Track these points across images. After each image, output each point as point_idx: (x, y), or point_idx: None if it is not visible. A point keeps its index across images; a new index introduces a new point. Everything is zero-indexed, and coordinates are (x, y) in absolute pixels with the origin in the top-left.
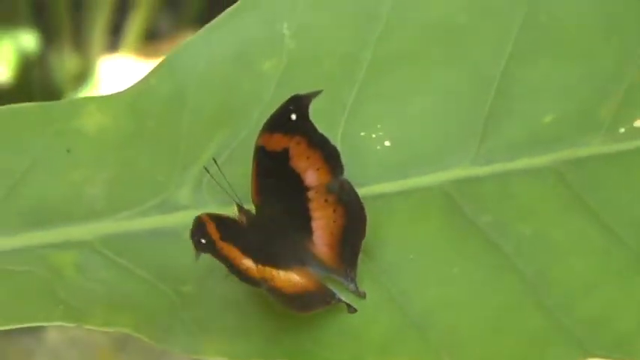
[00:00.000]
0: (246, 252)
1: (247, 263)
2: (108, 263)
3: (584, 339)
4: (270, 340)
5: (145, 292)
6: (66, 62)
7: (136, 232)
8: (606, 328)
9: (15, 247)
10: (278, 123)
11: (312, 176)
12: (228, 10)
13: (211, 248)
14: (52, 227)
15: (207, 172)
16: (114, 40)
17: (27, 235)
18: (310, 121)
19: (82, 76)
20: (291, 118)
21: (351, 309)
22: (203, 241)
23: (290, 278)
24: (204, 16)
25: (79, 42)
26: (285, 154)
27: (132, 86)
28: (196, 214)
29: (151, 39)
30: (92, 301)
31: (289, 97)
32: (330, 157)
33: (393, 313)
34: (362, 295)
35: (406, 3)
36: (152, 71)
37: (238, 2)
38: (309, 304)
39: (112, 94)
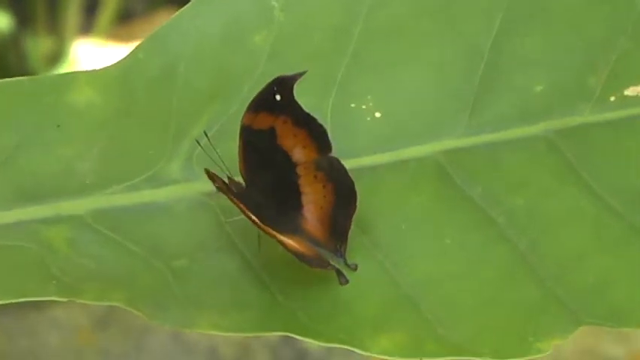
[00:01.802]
0: (250, 212)
1: (254, 217)
2: (99, 238)
3: (577, 309)
4: (264, 314)
5: (137, 267)
6: (40, 44)
7: (127, 206)
8: (599, 298)
9: (6, 222)
10: (262, 103)
11: (299, 154)
12: None
13: (226, 193)
14: (44, 202)
15: (199, 144)
16: (88, 21)
17: (18, 210)
18: (295, 101)
19: (57, 57)
20: (276, 99)
21: (343, 279)
22: (217, 185)
23: (288, 241)
24: None
25: (53, 24)
26: (271, 132)
27: (120, 60)
28: (187, 189)
29: (125, 20)
30: (84, 276)
31: (273, 77)
32: (317, 135)
33: (385, 285)
34: (353, 268)
35: None
36: (140, 45)
37: None
38: (311, 263)
39: (100, 69)
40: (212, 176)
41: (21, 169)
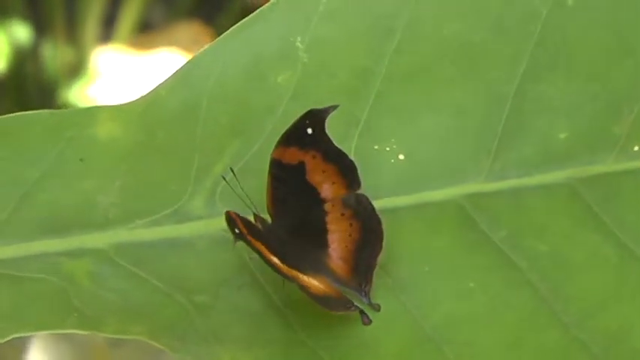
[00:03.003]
0: (272, 252)
1: (275, 260)
2: (122, 272)
3: (601, 354)
4: (286, 351)
5: (159, 302)
6: (59, 54)
7: (149, 241)
8: (622, 344)
9: (29, 254)
10: (294, 137)
11: (328, 190)
12: (241, 22)
13: (245, 238)
14: (66, 235)
15: (225, 180)
16: (107, 31)
17: (40, 242)
18: (327, 135)
19: (76, 67)
20: (307, 132)
21: (366, 319)
22: (237, 231)
23: (311, 282)
24: (197, 8)
25: (73, 34)
26: (300, 168)
27: (143, 96)
28: (209, 225)
29: (144, 30)
30: (106, 309)
31: (305, 111)
32: (346, 171)
33: (408, 326)
34: (376, 309)
35: (421, 18)
36: (163, 82)
37: (252, 14)
38: (332, 306)
39: (123, 104)
40: (230, 220)
41: (43, 202)
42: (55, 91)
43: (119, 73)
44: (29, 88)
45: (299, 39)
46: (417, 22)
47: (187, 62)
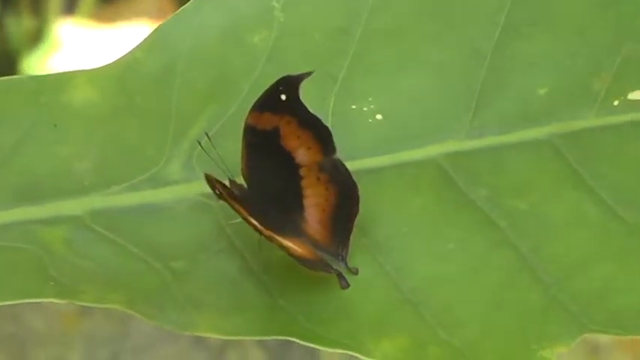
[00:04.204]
0: (250, 215)
1: (254, 222)
2: (98, 239)
3: (581, 315)
4: (264, 317)
5: (136, 269)
6: (23, 24)
7: (126, 207)
8: (603, 304)
9: (4, 222)
10: (268, 103)
11: (303, 155)
12: None
13: (226, 200)
14: (41, 203)
15: (200, 145)
16: (71, 2)
17: (16, 210)
18: (301, 102)
19: (39, 38)
20: (281, 98)
21: (344, 283)
22: (217, 192)
23: (289, 245)
24: None
25: (36, 5)
26: (275, 133)
27: (118, 59)
28: (186, 190)
29: (108, 1)
30: (83, 277)
31: (279, 77)
32: (321, 136)
33: (387, 289)
34: (354, 272)
35: None
36: (139, 45)
37: None
38: (312, 265)
39: (98, 68)
40: (211, 181)
41: (18, 169)
42: (16, 62)
43: (81, 45)
44: None
45: None
46: None
47: (163, 24)
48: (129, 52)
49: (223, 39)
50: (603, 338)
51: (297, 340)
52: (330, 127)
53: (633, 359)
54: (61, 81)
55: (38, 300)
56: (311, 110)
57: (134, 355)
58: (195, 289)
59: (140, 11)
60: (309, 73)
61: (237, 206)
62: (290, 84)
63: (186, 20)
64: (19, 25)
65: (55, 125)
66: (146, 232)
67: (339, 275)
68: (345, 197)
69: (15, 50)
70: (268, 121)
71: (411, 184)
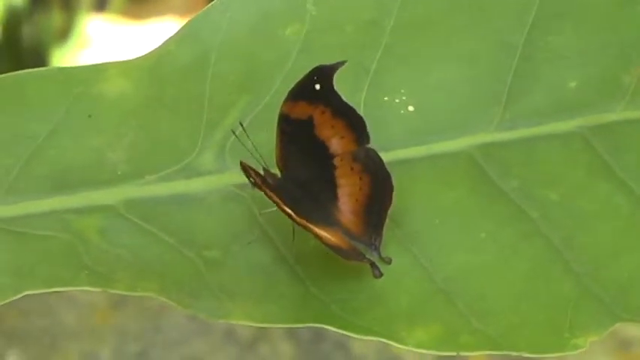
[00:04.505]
0: (285, 204)
1: (288, 210)
2: (132, 228)
3: (613, 304)
4: (297, 305)
5: (169, 258)
6: (53, 20)
7: (159, 196)
8: (634, 293)
9: (38, 211)
10: (302, 92)
11: (337, 144)
12: None
13: (260, 188)
14: (75, 192)
15: (234, 134)
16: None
17: (50, 199)
18: (335, 91)
19: (69, 34)
20: (315, 88)
21: (377, 272)
22: (252, 180)
23: (323, 234)
24: None
25: (67, 0)
26: (309, 122)
27: (151, 52)
28: (219, 180)
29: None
30: (116, 266)
31: (313, 67)
32: (355, 125)
33: (419, 279)
34: (387, 262)
35: None
36: (171, 37)
37: None
38: (346, 255)
39: (131, 60)
40: (246, 169)
41: (52, 159)
42: (46, 58)
43: (111, 42)
44: (23, 52)
45: None
46: None
47: (194, 18)
48: (161, 45)
49: (255, 32)
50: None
51: (330, 328)
52: (363, 117)
53: None
54: (94, 72)
55: (72, 288)
56: (345, 99)
57: (165, 349)
58: (228, 278)
59: (169, 8)
60: (342, 63)
61: (271, 195)
62: (324, 73)
63: (217, 14)
64: (49, 20)
65: (90, 116)
66: (179, 222)
67: (373, 264)
68: (379, 187)
69: (45, 45)
70: (302, 110)
71: (443, 175)
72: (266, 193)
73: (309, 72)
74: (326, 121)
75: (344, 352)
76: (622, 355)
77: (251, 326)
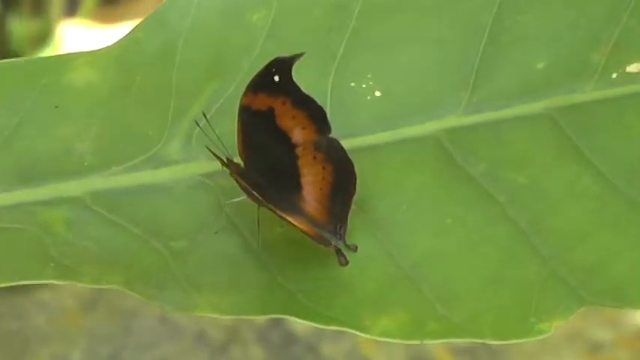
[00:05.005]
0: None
1: (257, 195)
2: (98, 219)
3: (580, 288)
4: (263, 295)
5: (136, 249)
6: (25, 25)
7: (126, 187)
8: (602, 276)
9: (4, 204)
10: (262, 84)
11: (298, 134)
12: None
13: (230, 170)
14: (42, 184)
15: (198, 125)
16: (73, 3)
17: (16, 192)
18: (294, 82)
19: (42, 39)
20: (274, 80)
21: (343, 260)
22: (223, 163)
23: (291, 220)
24: None
25: (38, 6)
26: (270, 113)
27: (119, 40)
28: (186, 169)
29: (110, 2)
30: (83, 258)
31: (271, 58)
32: (316, 116)
33: (386, 265)
34: (353, 250)
35: None
36: (139, 25)
37: None
38: (316, 241)
39: (99, 49)
40: (216, 154)
41: (18, 151)
42: None
43: (84, 46)
44: None
45: None
46: None
47: (162, 5)
48: (128, 34)
49: (222, 18)
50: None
51: (296, 319)
52: (324, 107)
53: (632, 357)
54: (62, 62)
55: (38, 281)
56: (304, 90)
57: (136, 351)
58: (195, 269)
59: (141, 12)
60: (300, 55)
61: (241, 180)
62: (282, 65)
63: (184, 1)
64: (21, 26)
65: (56, 106)
66: (146, 213)
67: (338, 252)
68: (342, 176)
69: (17, 51)
70: (263, 101)
71: (409, 160)
72: (236, 179)
73: (268, 64)
74: (287, 111)
75: (314, 355)
76: (592, 358)
77: (222, 329)
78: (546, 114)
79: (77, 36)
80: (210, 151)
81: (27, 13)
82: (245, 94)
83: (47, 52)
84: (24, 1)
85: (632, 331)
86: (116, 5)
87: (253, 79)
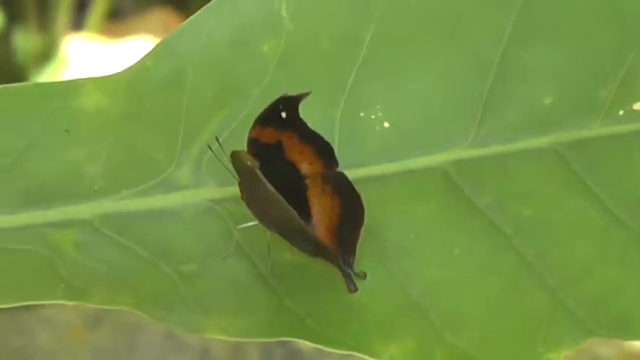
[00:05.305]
0: None
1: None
2: (108, 242)
3: (586, 319)
4: (272, 319)
5: (145, 272)
6: (30, 40)
7: (135, 211)
8: (608, 308)
9: (15, 225)
10: (270, 118)
11: (306, 168)
12: None
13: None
14: (52, 206)
15: (210, 149)
16: (78, 19)
17: (27, 214)
18: (301, 120)
19: (47, 54)
20: (282, 115)
21: (352, 286)
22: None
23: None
24: None
25: (44, 20)
26: (278, 146)
27: (129, 67)
28: (196, 195)
29: (115, 18)
30: (93, 279)
31: (278, 96)
32: (323, 152)
33: (394, 293)
34: (362, 277)
35: None
36: (149, 53)
37: None
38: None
39: (109, 75)
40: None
41: (28, 173)
42: (25, 78)
43: (90, 61)
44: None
45: (284, 7)
46: None
47: (172, 34)
48: (139, 60)
49: (232, 47)
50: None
51: (305, 342)
52: (330, 143)
53: None
54: (71, 87)
55: (48, 302)
56: (311, 127)
57: None
58: (203, 292)
59: (148, 27)
60: (307, 93)
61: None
62: (289, 103)
63: (194, 29)
64: (26, 40)
65: (66, 130)
66: (155, 236)
67: (347, 278)
68: (351, 208)
69: (22, 66)
70: (271, 135)
71: (417, 191)
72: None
73: (275, 101)
74: (294, 145)
75: None
76: None
77: (227, 346)
78: (553, 149)
79: (83, 51)
80: (228, 169)
81: (32, 27)
82: (253, 127)
83: (52, 67)
84: (29, 15)
85: (637, 351)
86: (122, 20)
87: (261, 113)
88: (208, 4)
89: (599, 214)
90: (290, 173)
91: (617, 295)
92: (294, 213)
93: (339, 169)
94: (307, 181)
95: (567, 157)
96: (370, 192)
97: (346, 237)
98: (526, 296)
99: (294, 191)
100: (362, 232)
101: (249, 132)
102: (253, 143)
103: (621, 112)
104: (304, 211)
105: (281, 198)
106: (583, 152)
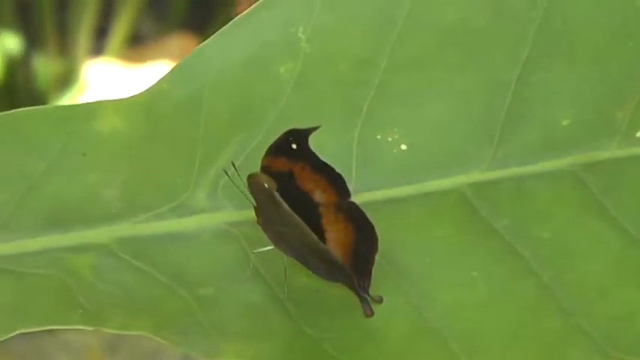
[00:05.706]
0: None
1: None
2: (125, 266)
3: (603, 342)
4: (289, 344)
5: (162, 296)
6: (50, 65)
7: (152, 235)
8: (624, 330)
9: (32, 249)
10: (281, 149)
11: (319, 196)
12: (243, 13)
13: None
14: (69, 230)
15: (227, 174)
16: (99, 44)
17: (44, 238)
18: (311, 151)
19: (67, 79)
20: (292, 147)
21: (368, 311)
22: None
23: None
24: (188, 20)
25: (64, 45)
26: (291, 175)
27: (146, 90)
28: (212, 218)
29: (135, 43)
30: (110, 304)
31: (287, 130)
32: (334, 182)
33: (411, 317)
34: (378, 301)
35: (423, 7)
36: (166, 75)
37: (253, 5)
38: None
39: (126, 98)
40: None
41: (46, 197)
42: (45, 102)
43: (110, 86)
44: (20, 99)
45: (301, 29)
46: (418, 11)
47: (188, 57)
48: (155, 83)
49: (248, 69)
50: None
51: None
52: (342, 174)
53: None
54: (89, 110)
55: (65, 327)
56: (322, 159)
57: None
58: (220, 317)
59: (167, 52)
60: (316, 128)
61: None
62: (298, 136)
63: (210, 52)
64: (46, 65)
65: (84, 154)
66: (172, 260)
67: (364, 303)
68: (364, 238)
69: (42, 91)
70: (283, 164)
71: (434, 213)
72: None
73: (284, 133)
74: (306, 175)
75: None
76: None
77: None
78: (570, 170)
79: (103, 76)
80: (244, 194)
81: (52, 52)
82: (266, 155)
83: (73, 92)
84: (49, 40)
85: None
86: (143, 45)
87: (272, 144)
88: (224, 27)
89: (616, 235)
90: (303, 201)
91: (634, 317)
92: (312, 235)
93: (352, 198)
94: (321, 209)
95: (584, 179)
96: (387, 214)
97: (361, 262)
98: (543, 319)
99: (309, 218)
100: (376, 257)
101: (262, 160)
102: (266, 171)
103: (638, 134)
104: (319, 237)
105: (299, 220)
106: (600, 174)
